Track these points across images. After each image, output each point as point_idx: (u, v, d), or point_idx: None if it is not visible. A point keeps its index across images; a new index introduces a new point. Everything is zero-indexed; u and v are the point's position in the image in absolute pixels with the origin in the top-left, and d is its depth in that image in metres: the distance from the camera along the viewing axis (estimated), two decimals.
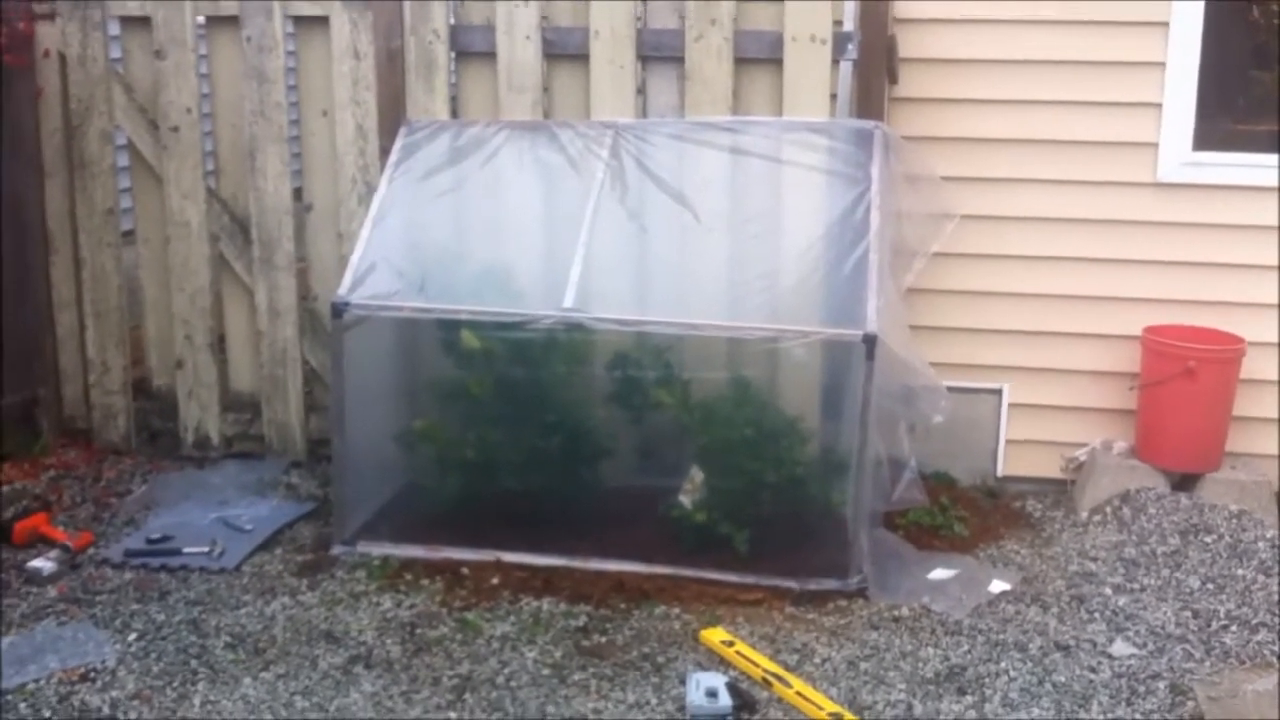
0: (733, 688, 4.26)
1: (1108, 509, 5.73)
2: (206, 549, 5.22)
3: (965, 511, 5.75)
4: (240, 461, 6.17)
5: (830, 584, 5.01)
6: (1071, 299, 6.00)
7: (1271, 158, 5.83)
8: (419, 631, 4.67)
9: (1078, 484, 6.00)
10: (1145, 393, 5.83)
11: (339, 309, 5.17)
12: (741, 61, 5.67)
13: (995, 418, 6.13)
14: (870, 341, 4.84)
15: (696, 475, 5.25)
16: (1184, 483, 5.81)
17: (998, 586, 5.12)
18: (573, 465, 5.36)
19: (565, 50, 5.80)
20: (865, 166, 5.37)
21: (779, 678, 4.37)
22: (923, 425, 5.46)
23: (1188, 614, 4.95)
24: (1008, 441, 6.15)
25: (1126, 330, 5.91)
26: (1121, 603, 5.02)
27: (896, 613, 4.89)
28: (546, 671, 4.43)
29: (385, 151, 5.77)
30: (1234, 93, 6.00)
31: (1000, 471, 6.17)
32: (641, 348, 5.36)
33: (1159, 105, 5.82)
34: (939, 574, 5.19)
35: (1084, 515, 5.77)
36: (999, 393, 6.11)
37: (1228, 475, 5.77)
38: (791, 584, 5.02)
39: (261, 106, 5.98)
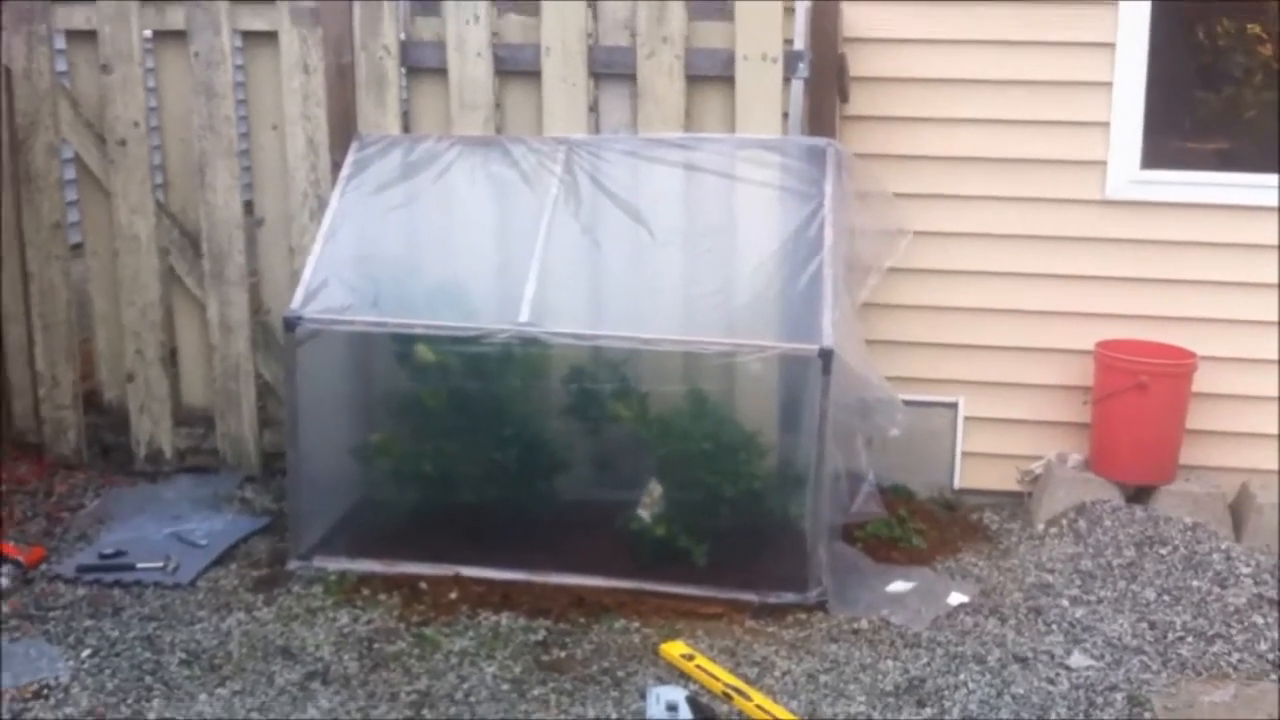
0: (693, 701, 4.24)
1: (1064, 521, 5.76)
2: (160, 564, 5.14)
3: (923, 524, 5.77)
4: (194, 476, 6.09)
5: (790, 597, 5.00)
6: (1025, 314, 6.04)
7: (1217, 176, 5.91)
8: (376, 647, 4.61)
9: (1034, 496, 6.03)
10: (1099, 406, 5.87)
11: (291, 323, 5.12)
12: (693, 79, 5.68)
13: (952, 431, 6.15)
14: (826, 356, 4.84)
15: (655, 488, 5.23)
16: (1138, 495, 5.85)
17: (956, 599, 5.13)
18: (530, 479, 5.32)
19: (517, 67, 5.78)
20: (818, 183, 5.38)
21: (739, 691, 4.35)
22: (880, 438, 5.49)
23: (1144, 625, 4.98)
24: (964, 454, 6.17)
25: (1079, 345, 5.96)
26: (1078, 614, 5.04)
27: (856, 625, 4.89)
28: (506, 686, 4.38)
29: (337, 166, 5.73)
30: (1181, 112, 6.08)
31: (957, 484, 6.19)
32: (597, 361, 5.34)
33: (1107, 124, 5.88)
34: (897, 586, 5.20)
35: (1040, 528, 5.80)
36: (955, 406, 6.14)
37: (1182, 487, 5.81)
38: (751, 597, 5.00)
39: (210, 121, 5.93)
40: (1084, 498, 5.80)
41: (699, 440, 5.16)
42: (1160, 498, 5.79)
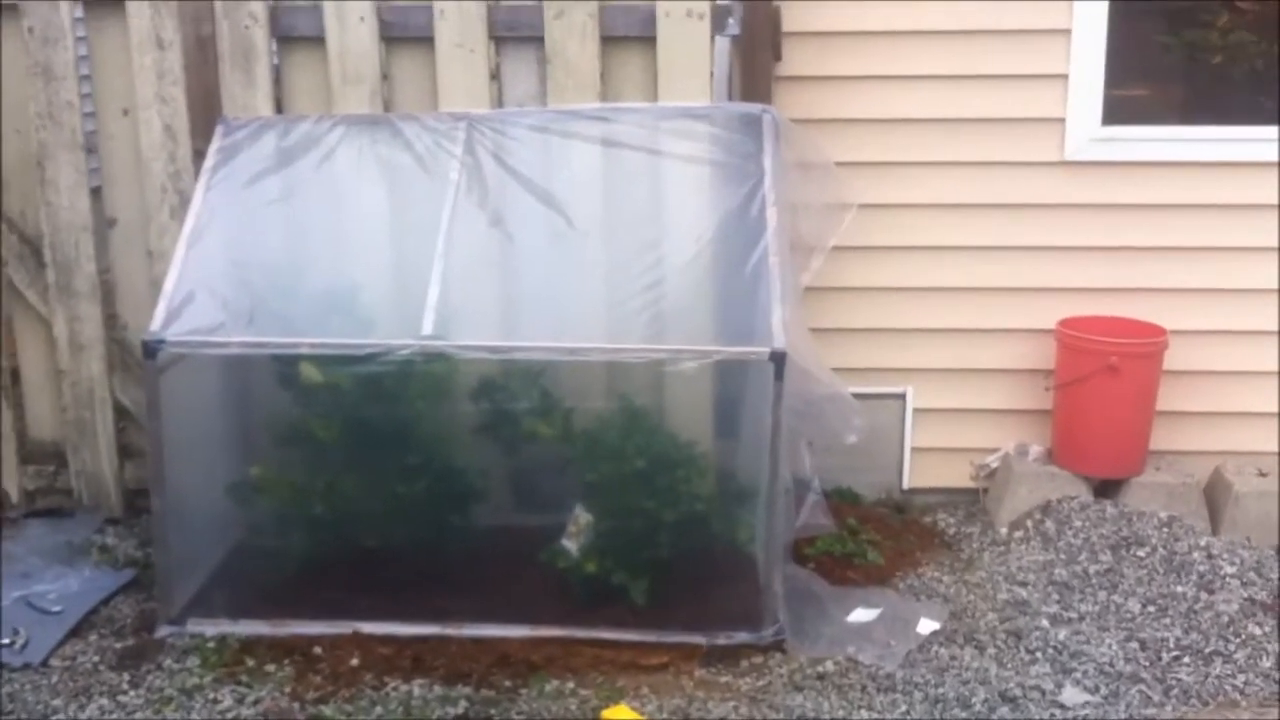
0: None
1: (1029, 523, 5.24)
2: (8, 641, 4.39)
3: (876, 534, 5.21)
4: (46, 521, 5.31)
5: (743, 636, 4.41)
6: (978, 291, 5.48)
7: (1188, 130, 5.39)
8: None
9: (992, 494, 5.50)
10: (1062, 392, 5.35)
11: (152, 348, 4.37)
12: (610, 40, 5.02)
13: (900, 425, 5.59)
14: (778, 359, 4.24)
15: (581, 516, 4.59)
16: (1106, 488, 5.35)
17: (926, 626, 4.57)
18: (440, 515, 4.64)
19: (407, 32, 5.08)
20: (756, 157, 4.77)
21: None
22: (835, 444, 4.87)
23: (1134, 645, 4.48)
24: (914, 450, 5.62)
25: (1039, 324, 5.43)
26: (1062, 636, 4.52)
27: (820, 668, 4.30)
28: None
29: (200, 155, 4.98)
30: (1147, 60, 5.52)
31: (907, 484, 5.64)
32: (515, 376, 4.66)
33: (1065, 76, 5.31)
34: (860, 615, 4.63)
35: (1003, 531, 5.27)
36: (903, 397, 5.58)
37: (1153, 478, 5.32)
38: (700, 639, 4.40)
39: (49, 108, 5.12)
40: (1049, 495, 5.29)
41: (631, 458, 4.52)
42: (1131, 490, 5.29)
